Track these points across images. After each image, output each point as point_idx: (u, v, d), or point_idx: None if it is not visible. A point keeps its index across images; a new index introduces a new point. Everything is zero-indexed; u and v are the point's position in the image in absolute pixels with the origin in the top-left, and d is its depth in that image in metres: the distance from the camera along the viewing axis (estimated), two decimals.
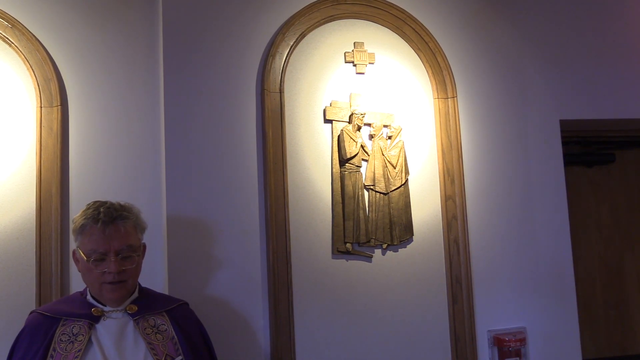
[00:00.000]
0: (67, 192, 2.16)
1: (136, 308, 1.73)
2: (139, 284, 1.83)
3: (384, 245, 2.30)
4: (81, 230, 1.69)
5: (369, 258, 2.29)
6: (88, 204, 1.75)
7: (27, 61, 2.16)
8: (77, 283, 2.12)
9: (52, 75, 2.16)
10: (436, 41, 2.45)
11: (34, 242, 2.08)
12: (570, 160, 2.84)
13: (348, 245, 2.25)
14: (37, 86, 2.15)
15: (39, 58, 2.17)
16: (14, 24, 2.16)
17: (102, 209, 1.69)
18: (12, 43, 2.15)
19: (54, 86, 2.16)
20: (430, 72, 2.45)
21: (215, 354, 1.87)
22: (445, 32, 2.49)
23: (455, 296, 2.34)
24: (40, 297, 2.05)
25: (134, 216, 1.75)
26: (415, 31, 2.44)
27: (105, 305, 1.72)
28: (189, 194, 2.14)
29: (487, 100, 2.51)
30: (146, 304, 1.77)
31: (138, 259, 1.73)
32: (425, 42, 2.44)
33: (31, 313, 1.76)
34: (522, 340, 2.34)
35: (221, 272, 2.14)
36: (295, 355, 2.15)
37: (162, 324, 1.74)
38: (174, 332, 1.73)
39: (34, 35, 2.18)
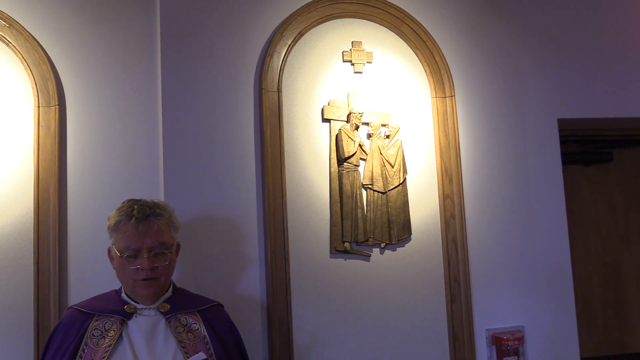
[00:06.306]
0: (64, 192, 2.16)
1: (168, 306, 1.74)
2: (174, 284, 1.84)
3: (382, 245, 2.30)
4: (115, 227, 1.71)
5: (367, 257, 2.29)
6: (123, 202, 1.77)
7: (25, 60, 2.15)
8: (75, 283, 2.13)
9: (49, 75, 2.16)
10: (434, 40, 2.45)
11: (32, 242, 2.08)
12: (568, 159, 2.84)
13: (346, 244, 2.25)
14: (34, 86, 2.15)
15: (36, 57, 2.16)
16: (11, 23, 2.16)
17: (135, 206, 1.71)
18: (10, 42, 2.15)
19: (52, 85, 2.16)
20: (428, 71, 2.45)
21: (247, 357, 1.85)
22: (443, 31, 2.49)
23: (453, 295, 2.34)
24: (38, 297, 2.05)
25: (167, 214, 1.76)
26: (413, 30, 2.44)
27: (139, 303, 1.73)
28: (186, 194, 2.14)
29: (485, 99, 2.51)
30: (179, 302, 1.77)
31: (171, 256, 1.74)
32: (423, 41, 2.44)
33: (69, 308, 1.78)
34: (520, 339, 2.34)
35: (219, 271, 2.14)
36: (293, 354, 2.14)
37: (194, 323, 1.74)
38: (205, 332, 1.74)
39: (31, 35, 2.18)
